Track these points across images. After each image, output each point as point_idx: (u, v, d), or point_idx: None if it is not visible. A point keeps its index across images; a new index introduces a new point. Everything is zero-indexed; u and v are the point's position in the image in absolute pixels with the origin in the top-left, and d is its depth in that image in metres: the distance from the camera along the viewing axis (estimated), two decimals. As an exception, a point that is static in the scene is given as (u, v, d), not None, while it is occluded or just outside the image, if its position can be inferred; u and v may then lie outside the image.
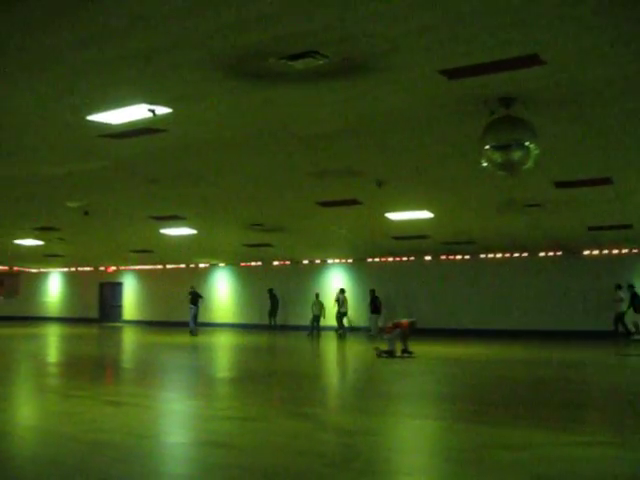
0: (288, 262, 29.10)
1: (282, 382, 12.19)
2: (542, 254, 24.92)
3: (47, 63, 6.89)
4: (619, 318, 22.77)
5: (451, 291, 26.17)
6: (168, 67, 6.99)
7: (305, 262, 28.84)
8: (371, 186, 13.21)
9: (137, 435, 7.20)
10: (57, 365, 15.70)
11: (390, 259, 27.11)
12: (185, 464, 6.30)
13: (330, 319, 26.22)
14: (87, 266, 35.37)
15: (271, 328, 27.73)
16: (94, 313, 35.38)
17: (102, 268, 35.21)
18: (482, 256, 25.81)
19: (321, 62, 6.77)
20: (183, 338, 23.68)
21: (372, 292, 25.26)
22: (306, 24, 6.00)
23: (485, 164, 8.54)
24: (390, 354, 15.66)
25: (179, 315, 30.59)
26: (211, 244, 24.84)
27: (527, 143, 8.14)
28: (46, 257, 30.63)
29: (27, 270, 38.44)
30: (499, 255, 25.58)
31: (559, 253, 24.52)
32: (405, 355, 15.71)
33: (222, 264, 31.08)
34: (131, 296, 34.53)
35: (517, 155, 8.20)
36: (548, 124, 8.87)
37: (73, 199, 16.28)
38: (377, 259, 27.45)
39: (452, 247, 23.93)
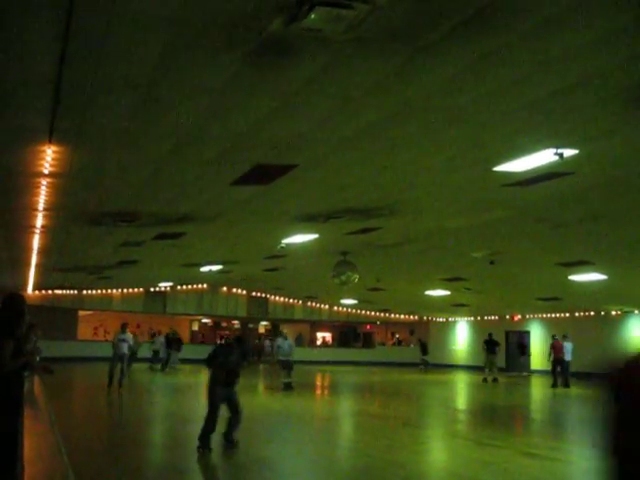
0: None
1: None
2: None
3: (453, 122, 7.17)
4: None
5: None
6: (573, 107, 6.76)
7: None
8: None
9: (557, 492, 6.90)
10: (467, 412, 16.00)
11: None
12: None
13: None
14: (492, 314, 35.76)
15: None
16: (501, 362, 35.46)
17: (507, 316, 35.26)
18: None
19: None
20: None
21: None
22: None
23: None
24: None
25: (588, 366, 29.03)
26: (623, 290, 23.23)
27: None
28: (453, 306, 31.83)
29: (435, 319, 40.36)
30: None
31: None
32: None
33: (637, 311, 28.83)
34: (539, 345, 33.82)
35: None
36: None
37: (478, 249, 16.70)
38: None
39: None
